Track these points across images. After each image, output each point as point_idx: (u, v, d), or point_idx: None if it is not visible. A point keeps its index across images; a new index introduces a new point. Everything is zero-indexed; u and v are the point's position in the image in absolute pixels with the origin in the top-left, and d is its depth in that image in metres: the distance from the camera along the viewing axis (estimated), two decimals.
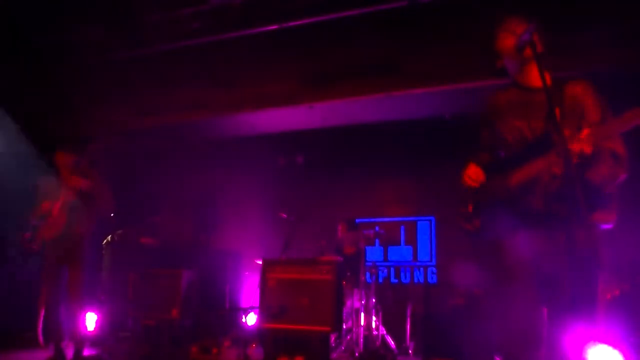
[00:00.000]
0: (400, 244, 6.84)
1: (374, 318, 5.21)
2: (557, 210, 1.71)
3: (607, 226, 2.03)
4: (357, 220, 6.32)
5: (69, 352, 4.16)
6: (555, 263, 1.92)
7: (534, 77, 1.96)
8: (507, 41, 2.21)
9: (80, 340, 4.21)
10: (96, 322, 5.34)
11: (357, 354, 4.85)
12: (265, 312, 4.58)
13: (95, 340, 5.18)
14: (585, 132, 1.82)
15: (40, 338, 5.04)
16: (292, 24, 5.26)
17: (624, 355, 3.53)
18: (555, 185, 1.77)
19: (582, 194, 1.62)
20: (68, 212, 4.25)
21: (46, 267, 4.20)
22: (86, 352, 4.38)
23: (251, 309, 5.74)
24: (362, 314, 5.09)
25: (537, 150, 2.04)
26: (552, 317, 1.99)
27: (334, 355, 4.78)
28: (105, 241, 5.80)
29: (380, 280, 6.66)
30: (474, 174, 2.30)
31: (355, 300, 5.14)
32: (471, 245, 2.35)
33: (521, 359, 2.08)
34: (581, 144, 1.81)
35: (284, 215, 5.78)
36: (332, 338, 4.78)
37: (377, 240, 6.62)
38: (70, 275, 4.16)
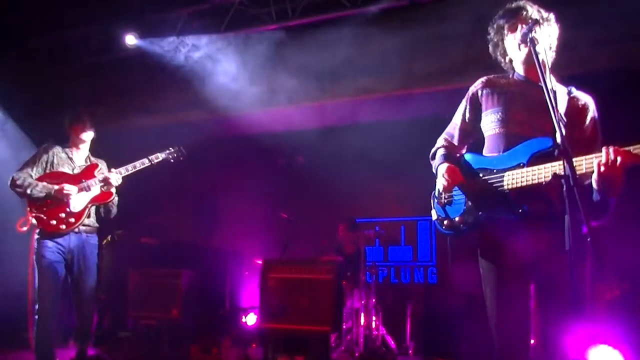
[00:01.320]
0: (400, 244, 6.84)
1: (374, 318, 5.21)
2: (556, 212, 1.70)
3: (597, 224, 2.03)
4: (357, 220, 6.33)
5: (70, 353, 3.99)
6: (553, 264, 1.92)
7: (536, 74, 1.96)
8: (509, 38, 2.21)
9: (88, 340, 3.86)
10: (96, 322, 5.34)
11: (357, 354, 4.85)
12: (265, 311, 4.58)
13: (95, 340, 5.18)
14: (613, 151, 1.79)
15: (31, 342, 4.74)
16: (292, 23, 5.27)
17: (624, 355, 3.53)
18: (555, 186, 1.76)
19: (581, 196, 1.62)
20: (90, 205, 3.76)
21: (45, 265, 3.60)
22: None
23: (251, 309, 5.74)
24: (362, 314, 5.09)
25: (539, 150, 2.01)
26: (550, 318, 1.98)
27: (334, 355, 4.78)
28: (105, 241, 5.79)
29: (380, 280, 6.66)
30: (451, 175, 2.21)
31: (355, 300, 5.14)
32: (471, 245, 2.32)
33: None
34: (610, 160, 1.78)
35: (284, 215, 5.78)
36: (332, 338, 4.78)
37: (377, 240, 6.62)
38: (80, 277, 3.72)
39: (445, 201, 2.30)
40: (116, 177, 3.78)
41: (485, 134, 2.25)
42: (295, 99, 5.73)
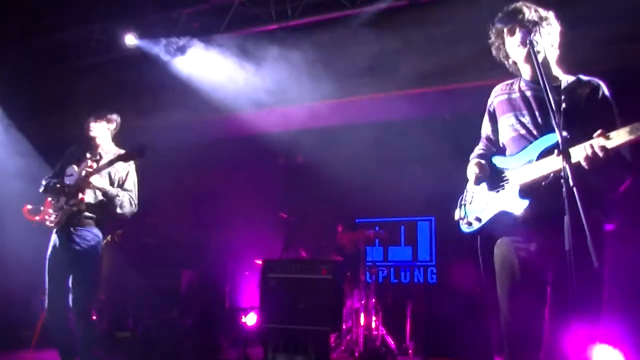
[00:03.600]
0: (400, 244, 6.84)
1: (374, 318, 5.21)
2: (560, 211, 1.70)
3: (610, 227, 2.03)
4: (357, 220, 6.32)
5: None
6: (558, 263, 1.92)
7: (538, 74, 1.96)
8: (510, 41, 2.21)
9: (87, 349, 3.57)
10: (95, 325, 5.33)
11: (357, 354, 4.85)
12: (265, 311, 4.56)
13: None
14: (601, 138, 1.80)
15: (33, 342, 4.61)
16: (292, 23, 5.27)
17: (624, 355, 3.53)
18: (559, 185, 1.76)
19: (583, 195, 1.61)
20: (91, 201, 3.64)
21: (46, 260, 3.61)
22: None
23: (251, 309, 5.74)
24: (362, 314, 5.09)
25: (547, 146, 2.01)
26: (555, 318, 1.98)
27: (334, 355, 4.78)
28: (104, 241, 5.78)
29: (380, 280, 6.66)
30: (480, 168, 2.26)
31: (355, 300, 5.14)
32: (471, 244, 2.33)
33: None
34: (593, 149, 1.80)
35: (284, 215, 5.78)
36: (332, 338, 4.78)
37: (377, 240, 6.62)
38: (72, 272, 3.56)
39: (468, 201, 2.36)
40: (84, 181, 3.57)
41: (504, 139, 2.30)
42: (295, 99, 5.73)
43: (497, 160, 2.30)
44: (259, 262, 5.09)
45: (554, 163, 1.91)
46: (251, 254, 6.13)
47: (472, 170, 2.29)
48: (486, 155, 2.38)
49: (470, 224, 2.28)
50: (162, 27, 5.68)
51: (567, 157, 1.71)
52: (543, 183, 1.97)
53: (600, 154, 1.78)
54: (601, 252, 1.98)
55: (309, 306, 4.43)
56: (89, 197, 3.64)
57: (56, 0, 5.38)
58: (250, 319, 5.65)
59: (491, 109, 2.40)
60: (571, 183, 1.65)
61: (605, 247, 2.03)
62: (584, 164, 1.82)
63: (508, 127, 2.24)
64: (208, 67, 5.74)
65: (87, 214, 3.67)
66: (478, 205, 2.29)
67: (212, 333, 5.58)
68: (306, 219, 6.19)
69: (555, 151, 1.87)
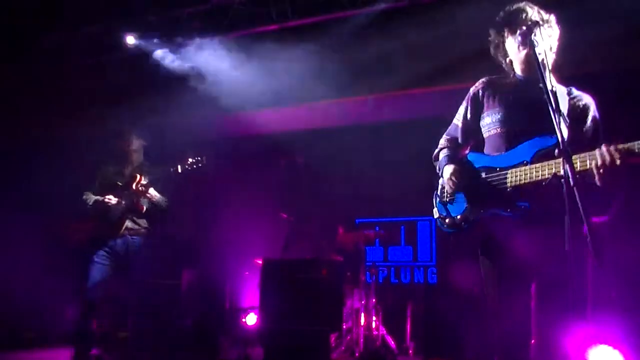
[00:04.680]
0: (400, 244, 6.84)
1: (374, 318, 5.21)
2: (557, 211, 1.69)
3: (602, 219, 2.03)
4: (357, 220, 6.30)
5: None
6: (554, 263, 1.92)
7: (536, 75, 1.96)
8: (510, 40, 2.21)
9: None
10: (96, 323, 5.33)
11: (357, 354, 4.85)
12: (265, 312, 4.56)
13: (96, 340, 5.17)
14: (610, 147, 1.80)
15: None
16: (292, 23, 5.26)
17: (624, 355, 3.53)
18: (557, 185, 1.76)
19: (582, 195, 1.61)
20: (128, 215, 4.07)
21: (92, 267, 3.95)
22: None
23: (251, 309, 5.74)
24: (362, 314, 5.09)
25: (542, 148, 2.00)
26: (550, 318, 1.98)
27: (334, 355, 4.78)
28: None
29: (380, 280, 6.66)
30: (458, 176, 2.23)
31: (355, 300, 5.14)
32: (471, 244, 2.32)
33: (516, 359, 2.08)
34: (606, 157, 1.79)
35: (284, 215, 5.77)
36: (332, 338, 4.78)
37: (377, 240, 6.61)
38: (125, 277, 4.08)
39: (447, 199, 2.31)
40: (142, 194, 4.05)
41: (486, 135, 2.26)
42: (295, 98, 5.73)
43: (475, 158, 2.24)
44: (259, 262, 5.09)
45: (553, 165, 1.90)
46: (251, 254, 6.12)
47: (449, 180, 2.24)
48: (455, 158, 2.32)
49: (455, 224, 2.23)
50: (163, 27, 5.68)
51: (567, 157, 1.70)
52: (544, 183, 1.96)
53: (618, 162, 1.77)
54: (596, 251, 1.98)
55: (309, 306, 4.42)
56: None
57: (56, 0, 5.37)
58: (250, 319, 5.64)
59: (475, 98, 2.32)
60: (572, 183, 1.65)
61: (603, 246, 2.03)
62: (595, 170, 1.80)
63: (495, 123, 2.19)
64: (207, 67, 5.74)
65: (138, 221, 4.13)
66: (461, 205, 2.24)
67: (212, 333, 5.57)
68: (306, 219, 6.18)
69: (556, 151, 1.87)
